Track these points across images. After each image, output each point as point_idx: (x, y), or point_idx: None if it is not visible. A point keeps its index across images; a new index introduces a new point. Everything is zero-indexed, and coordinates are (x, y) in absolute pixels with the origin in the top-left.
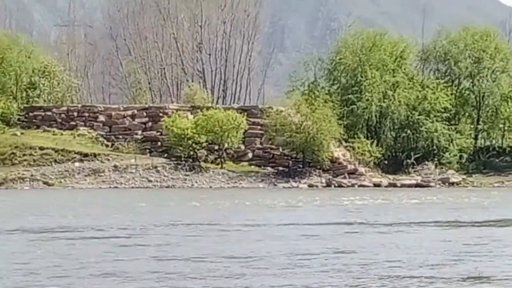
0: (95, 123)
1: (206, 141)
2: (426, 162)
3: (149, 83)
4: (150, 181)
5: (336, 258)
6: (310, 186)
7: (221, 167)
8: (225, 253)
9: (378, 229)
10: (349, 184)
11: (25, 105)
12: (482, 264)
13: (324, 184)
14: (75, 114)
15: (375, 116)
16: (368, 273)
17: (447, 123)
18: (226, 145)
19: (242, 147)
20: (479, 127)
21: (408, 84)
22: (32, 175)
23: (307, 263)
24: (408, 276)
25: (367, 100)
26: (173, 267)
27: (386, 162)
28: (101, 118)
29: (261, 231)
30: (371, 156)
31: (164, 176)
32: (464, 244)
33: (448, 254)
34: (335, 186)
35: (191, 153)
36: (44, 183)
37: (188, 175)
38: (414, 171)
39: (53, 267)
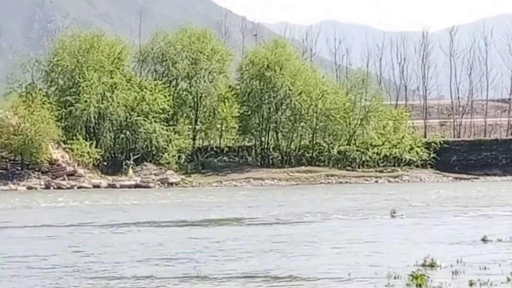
0: None
1: None
2: (145, 163)
3: None
4: None
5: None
6: (29, 188)
7: None
8: None
9: (113, 229)
10: (68, 185)
11: None
12: (201, 263)
13: (43, 186)
14: None
15: (94, 117)
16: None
17: (165, 123)
18: None
19: None
20: (197, 127)
21: (126, 85)
22: None
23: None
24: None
25: (85, 101)
26: None
27: (105, 163)
28: None
29: None
30: (90, 157)
31: None
32: (185, 243)
33: (170, 253)
34: (54, 188)
35: None
36: None
37: None
38: (134, 172)
39: None
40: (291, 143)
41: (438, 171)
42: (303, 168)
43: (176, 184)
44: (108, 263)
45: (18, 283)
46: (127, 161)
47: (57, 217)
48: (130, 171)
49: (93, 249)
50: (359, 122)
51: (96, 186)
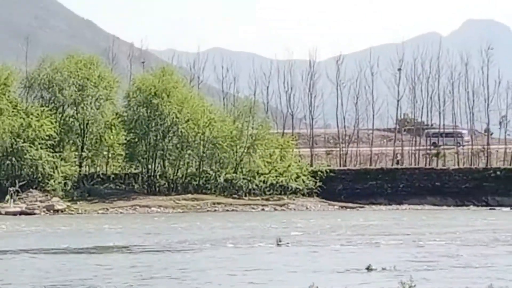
0: None
1: None
2: (31, 190)
3: None
4: None
5: None
6: None
7: None
8: None
9: (4, 256)
10: None
11: None
12: None
13: None
14: None
15: None
16: None
17: (51, 150)
18: None
19: None
20: (84, 154)
21: (12, 111)
22: None
23: None
24: None
25: None
26: None
27: None
28: None
29: None
30: None
31: None
32: (83, 270)
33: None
34: None
35: None
36: None
37: None
38: (19, 198)
39: None
40: (178, 170)
41: (324, 200)
42: (189, 196)
43: (62, 211)
44: None
45: None
46: (11, 189)
47: None
48: (8, 197)
49: None
50: (246, 150)
51: None
